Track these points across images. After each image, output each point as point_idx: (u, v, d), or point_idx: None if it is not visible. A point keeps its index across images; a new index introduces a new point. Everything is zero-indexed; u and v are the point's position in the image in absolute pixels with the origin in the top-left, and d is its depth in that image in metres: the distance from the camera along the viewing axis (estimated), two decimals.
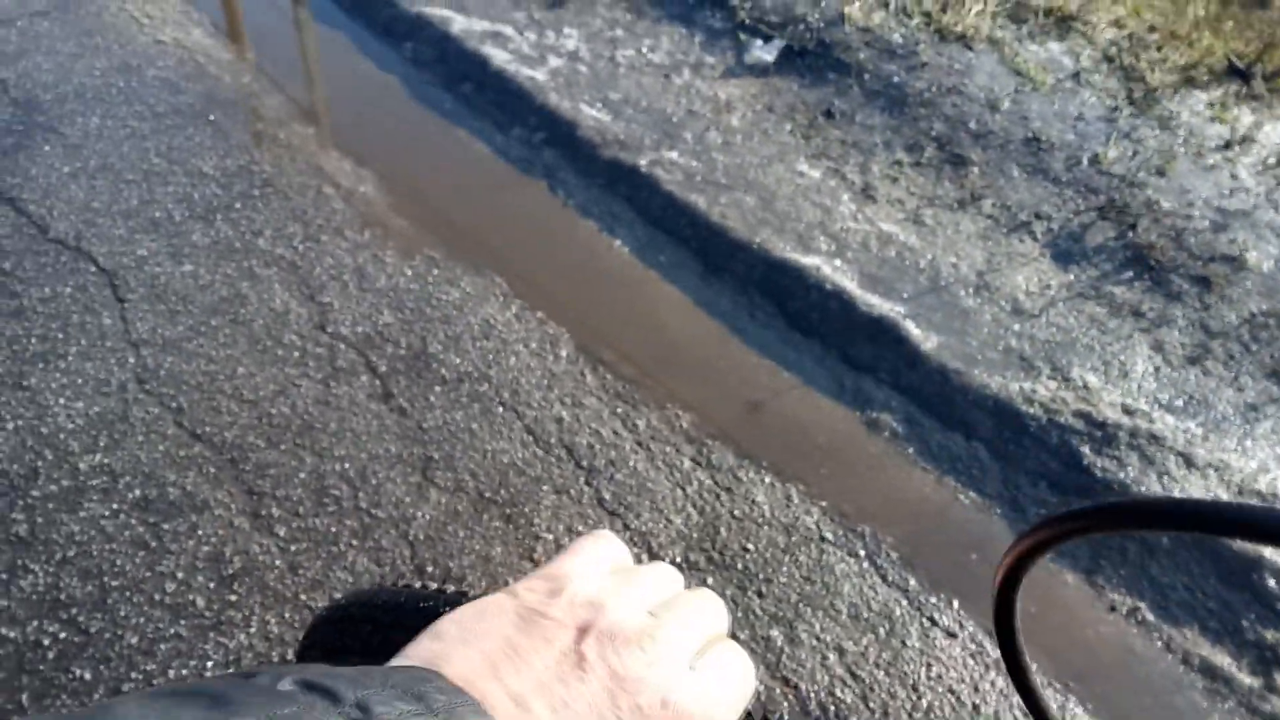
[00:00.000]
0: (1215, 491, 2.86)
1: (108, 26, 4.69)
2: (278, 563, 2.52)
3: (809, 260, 3.60)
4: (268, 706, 0.31)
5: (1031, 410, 3.09)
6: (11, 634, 2.32)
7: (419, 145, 4.32)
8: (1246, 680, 2.54)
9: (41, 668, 2.27)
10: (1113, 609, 2.70)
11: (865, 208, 3.89)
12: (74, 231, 3.46)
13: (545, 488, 2.80)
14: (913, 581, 2.69)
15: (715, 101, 4.48)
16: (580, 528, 2.71)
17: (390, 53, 4.93)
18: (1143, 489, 2.88)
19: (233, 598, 2.44)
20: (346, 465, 2.78)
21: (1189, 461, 2.94)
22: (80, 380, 2.94)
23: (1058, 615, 2.69)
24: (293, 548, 2.56)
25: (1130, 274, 3.57)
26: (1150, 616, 2.68)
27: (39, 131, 3.94)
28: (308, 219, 3.69)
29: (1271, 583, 2.67)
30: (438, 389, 3.05)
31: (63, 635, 2.33)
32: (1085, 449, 2.99)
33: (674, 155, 4.15)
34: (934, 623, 2.60)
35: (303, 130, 4.24)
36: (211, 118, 4.19)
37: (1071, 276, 3.58)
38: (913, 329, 3.34)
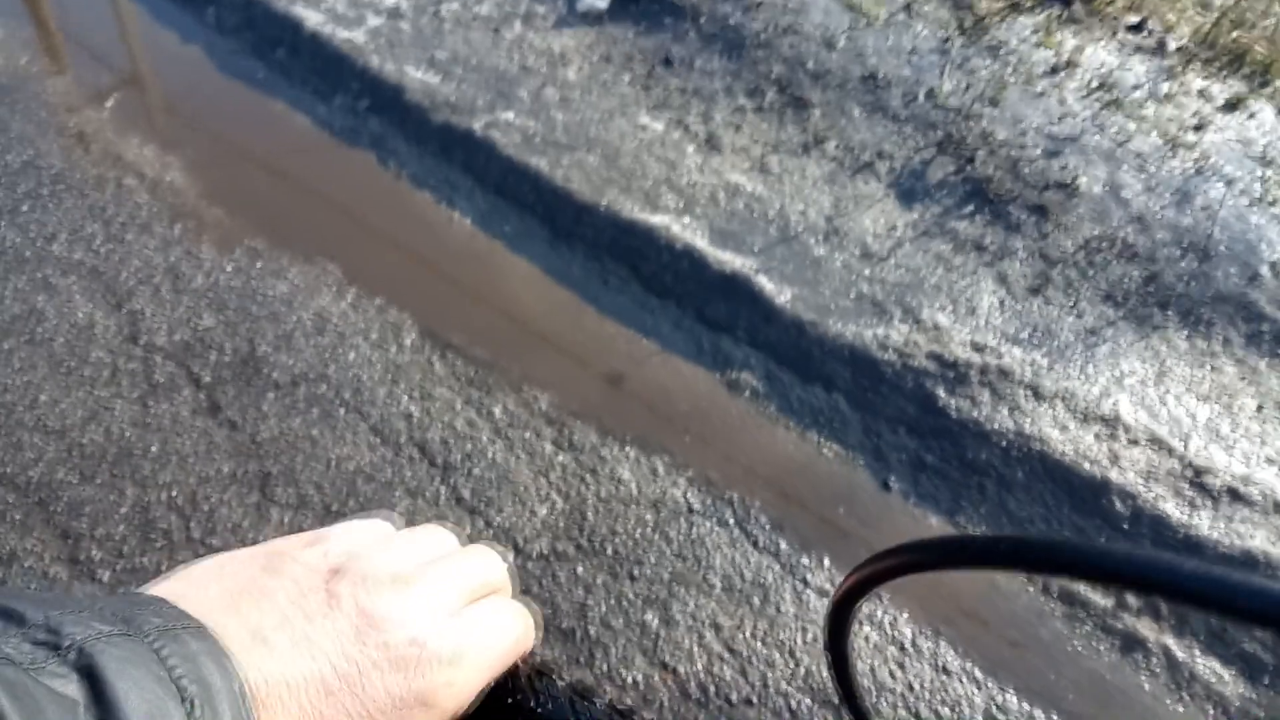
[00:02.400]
0: (1063, 421, 2.95)
1: None
2: None
3: (658, 219, 3.50)
4: None
5: (886, 356, 3.10)
6: None
7: (231, 123, 3.97)
8: (1101, 602, 2.64)
9: None
10: None
11: (711, 159, 3.80)
12: None
13: (398, 492, 2.63)
14: (783, 544, 2.68)
15: (549, 55, 4.27)
16: None
17: (191, 20, 4.50)
18: (994, 425, 2.93)
19: None
20: (174, 492, 2.55)
21: (1037, 393, 3.02)
22: None
23: None
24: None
25: (971, 208, 3.61)
26: None
27: None
28: (108, 217, 3.34)
29: (1119, 505, 2.77)
30: (270, 396, 2.82)
31: None
32: (940, 390, 3.03)
33: (510, 116, 3.94)
34: (807, 584, 2.60)
35: (95, 115, 3.82)
36: None
37: (916, 215, 3.60)
38: (766, 283, 3.29)
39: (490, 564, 0.48)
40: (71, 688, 0.29)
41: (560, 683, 0.51)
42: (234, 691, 0.33)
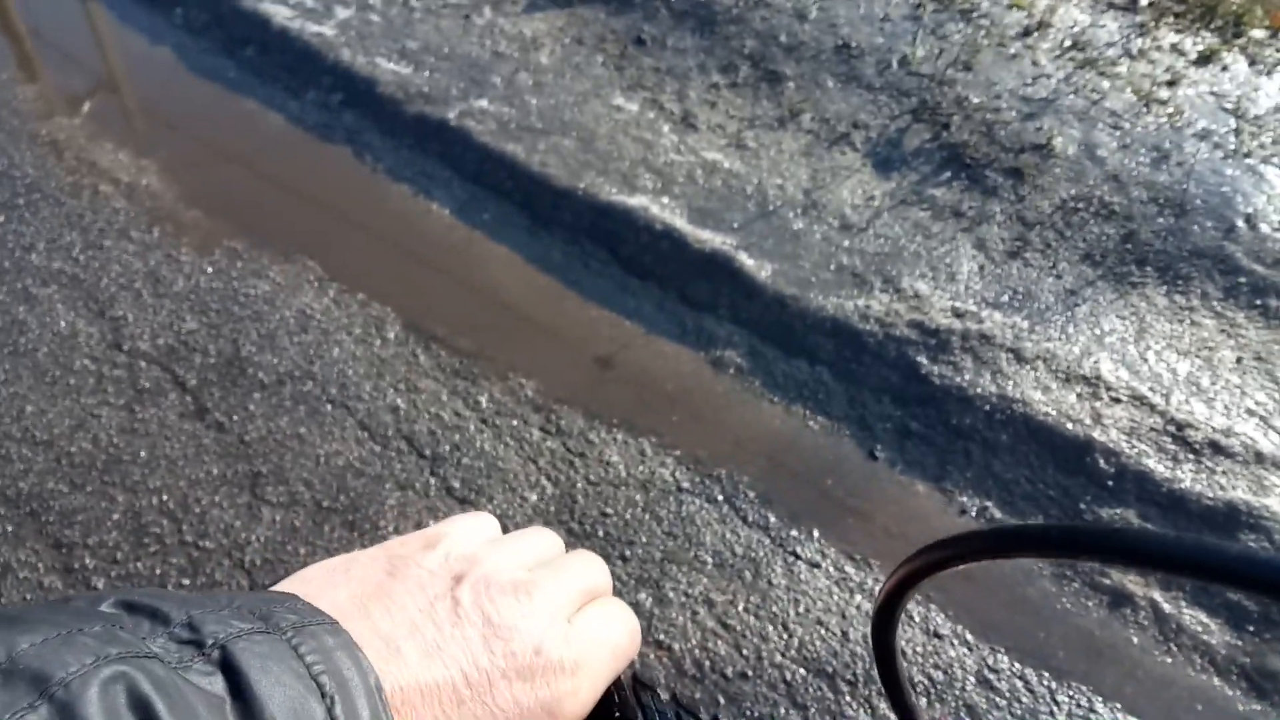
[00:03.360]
0: (1045, 383, 2.97)
1: None
2: None
3: (636, 201, 3.50)
4: (72, 625, 0.29)
5: (868, 327, 3.12)
6: None
7: (205, 123, 3.96)
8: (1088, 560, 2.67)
9: None
10: (963, 512, 2.79)
11: (687, 137, 3.80)
12: None
13: (388, 485, 2.65)
14: (772, 518, 2.70)
15: (521, 40, 4.26)
16: (431, 521, 2.59)
17: (159, 21, 4.48)
18: (977, 390, 2.95)
19: None
20: (165, 496, 2.56)
21: (1019, 356, 3.04)
22: None
23: (913, 528, 2.76)
24: None
25: (948, 174, 3.61)
26: (999, 514, 2.79)
27: None
28: (85, 224, 3.33)
29: (1103, 463, 2.80)
30: (257, 396, 2.83)
31: None
32: (922, 358, 3.04)
33: (484, 103, 3.93)
34: (797, 557, 2.62)
35: (68, 122, 3.81)
36: None
37: (893, 184, 3.61)
38: (746, 260, 3.30)
39: (596, 568, 0.48)
40: (217, 684, 0.30)
41: (664, 695, 0.51)
42: (370, 686, 0.33)
